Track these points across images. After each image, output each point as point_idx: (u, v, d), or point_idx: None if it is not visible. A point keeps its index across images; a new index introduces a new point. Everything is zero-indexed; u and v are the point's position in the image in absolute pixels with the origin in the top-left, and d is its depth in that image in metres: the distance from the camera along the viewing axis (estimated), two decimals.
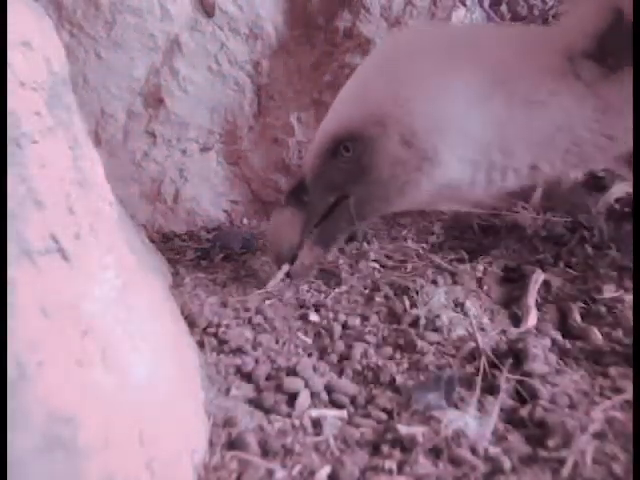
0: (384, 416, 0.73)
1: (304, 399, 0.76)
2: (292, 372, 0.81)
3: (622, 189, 1.38)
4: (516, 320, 0.96)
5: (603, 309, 0.95)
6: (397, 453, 0.66)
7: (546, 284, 1.04)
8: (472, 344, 0.86)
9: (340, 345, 0.89)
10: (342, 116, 0.95)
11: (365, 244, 1.34)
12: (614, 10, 0.81)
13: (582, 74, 0.84)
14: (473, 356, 0.84)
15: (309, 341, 0.92)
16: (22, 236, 0.47)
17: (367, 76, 0.98)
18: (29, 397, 0.44)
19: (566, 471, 0.61)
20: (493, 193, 1.02)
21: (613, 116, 0.84)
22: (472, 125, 0.87)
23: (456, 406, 0.73)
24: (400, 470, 0.63)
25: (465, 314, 0.95)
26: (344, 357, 0.86)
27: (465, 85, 0.86)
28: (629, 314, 0.91)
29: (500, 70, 0.86)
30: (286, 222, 1.00)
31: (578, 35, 0.85)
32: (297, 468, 0.64)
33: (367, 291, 1.07)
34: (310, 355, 0.88)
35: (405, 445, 0.66)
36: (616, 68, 0.82)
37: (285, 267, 1.05)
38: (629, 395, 0.73)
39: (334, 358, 0.86)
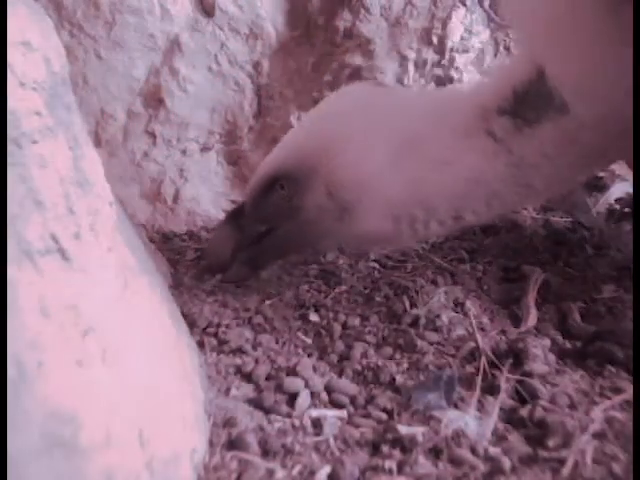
0: (384, 416, 0.73)
1: (304, 399, 0.76)
2: (292, 372, 0.81)
3: (622, 189, 1.38)
4: (516, 320, 0.96)
5: (603, 309, 0.95)
6: (397, 453, 0.66)
7: (546, 284, 1.04)
8: (472, 344, 0.86)
9: (340, 345, 0.89)
10: (281, 156, 1.03)
11: None
12: (535, 65, 0.84)
13: (495, 131, 0.88)
14: (473, 356, 0.84)
15: (309, 341, 0.92)
16: (22, 236, 0.47)
17: (309, 125, 1.09)
18: (29, 397, 0.44)
19: (566, 471, 0.61)
20: (420, 239, 1.13)
21: (527, 168, 0.88)
22: (390, 183, 0.92)
23: (456, 406, 0.73)
24: (400, 470, 0.63)
25: (465, 314, 0.95)
26: (344, 357, 0.86)
27: (383, 146, 0.93)
28: (629, 314, 0.92)
29: (413, 133, 0.92)
30: (222, 239, 1.07)
31: (494, 92, 0.90)
32: (297, 468, 0.64)
33: (367, 291, 1.07)
34: (310, 355, 0.88)
35: (405, 445, 0.66)
36: (534, 122, 0.85)
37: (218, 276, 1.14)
38: (629, 395, 0.73)
39: (334, 358, 0.86)
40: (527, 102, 0.86)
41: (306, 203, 0.98)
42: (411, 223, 0.95)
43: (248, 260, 1.08)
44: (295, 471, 0.64)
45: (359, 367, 0.83)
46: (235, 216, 1.07)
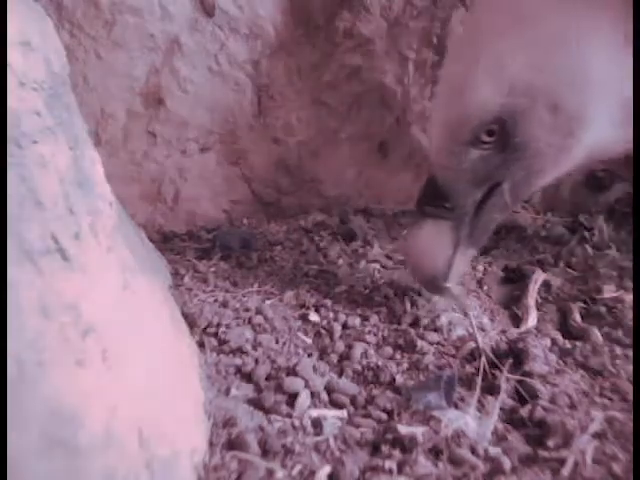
0: (384, 416, 0.73)
1: (304, 399, 0.76)
2: (292, 372, 0.81)
3: (622, 189, 1.38)
4: (516, 320, 0.96)
5: (603, 309, 0.95)
6: (397, 453, 0.66)
7: (546, 284, 1.04)
8: (472, 344, 0.86)
9: (340, 345, 0.89)
10: (478, 99, 0.81)
11: (365, 244, 1.35)
12: None
13: None
14: (473, 356, 0.84)
15: (309, 341, 0.92)
16: (22, 236, 0.47)
17: (488, 49, 0.84)
18: (29, 397, 0.44)
19: (566, 471, 0.61)
20: (628, 149, 0.91)
21: None
22: (612, 81, 0.81)
23: (456, 406, 0.73)
24: (400, 470, 0.63)
25: (465, 314, 0.95)
26: (344, 357, 0.86)
27: (603, 41, 0.80)
28: (629, 314, 0.92)
29: (627, 22, 0.78)
30: (432, 238, 0.88)
31: None
32: (297, 468, 0.64)
33: (367, 291, 1.07)
34: (310, 355, 0.88)
35: (405, 445, 0.66)
36: None
37: (446, 286, 0.92)
38: (629, 395, 0.73)
39: (334, 358, 0.86)
40: None
41: (530, 134, 0.81)
42: (626, 125, 0.83)
43: (471, 240, 0.90)
44: (295, 471, 0.64)
45: (359, 367, 0.83)
46: (430, 203, 0.88)
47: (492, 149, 0.83)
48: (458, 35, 0.93)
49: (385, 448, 0.66)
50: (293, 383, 0.78)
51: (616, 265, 1.10)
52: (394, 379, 0.80)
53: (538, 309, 0.97)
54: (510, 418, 0.72)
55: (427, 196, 0.89)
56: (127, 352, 0.57)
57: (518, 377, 0.77)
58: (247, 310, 1.00)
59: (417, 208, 0.90)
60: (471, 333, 0.89)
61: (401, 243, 0.97)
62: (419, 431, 0.67)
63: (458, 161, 0.84)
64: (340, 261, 1.22)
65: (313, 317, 0.98)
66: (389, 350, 0.87)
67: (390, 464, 0.63)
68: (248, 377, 0.82)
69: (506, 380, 0.77)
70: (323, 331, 0.93)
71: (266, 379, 0.81)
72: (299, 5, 1.57)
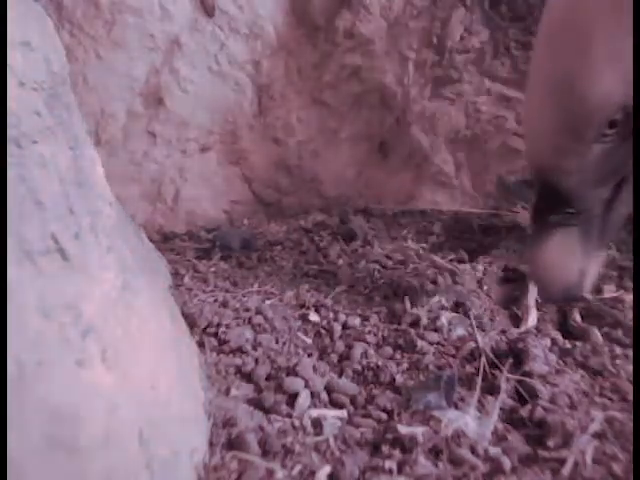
0: (384, 416, 0.73)
1: (304, 399, 0.76)
2: (292, 372, 0.81)
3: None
4: (516, 320, 0.96)
5: (604, 309, 0.95)
6: (397, 453, 0.65)
7: None
8: (472, 344, 0.86)
9: (340, 345, 0.89)
10: (601, 92, 0.70)
11: (365, 244, 1.35)
12: None
13: None
14: (473, 356, 0.84)
15: (309, 341, 0.92)
16: (22, 236, 0.47)
17: (599, 34, 0.72)
18: (29, 397, 0.44)
19: (566, 471, 0.61)
20: None
21: None
22: None
23: (456, 406, 0.73)
24: (400, 470, 0.63)
25: (465, 314, 0.95)
26: (344, 357, 0.86)
27: None
28: (629, 314, 0.92)
29: None
30: (563, 248, 0.79)
31: None
32: (297, 468, 0.64)
33: (367, 291, 1.07)
34: (310, 355, 0.88)
35: (405, 445, 0.66)
36: None
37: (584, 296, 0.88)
38: (629, 395, 0.73)
39: (334, 358, 0.86)
40: None
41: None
42: None
43: (601, 243, 0.82)
44: (295, 471, 0.64)
45: (359, 367, 0.83)
46: (553, 212, 0.79)
47: (614, 141, 0.73)
48: (549, 22, 0.77)
49: (385, 448, 0.66)
50: (293, 383, 0.78)
51: (616, 265, 1.10)
52: (394, 379, 0.80)
53: (538, 309, 0.97)
54: (510, 418, 0.72)
55: (548, 204, 0.79)
56: (127, 352, 0.57)
57: (518, 377, 0.77)
58: (247, 310, 1.00)
59: (537, 220, 0.81)
60: (471, 333, 0.89)
61: (529, 260, 0.86)
62: (419, 431, 0.67)
63: (580, 161, 0.74)
64: (340, 261, 1.22)
65: (313, 317, 0.98)
66: (389, 350, 0.87)
67: (390, 464, 0.63)
68: (248, 377, 0.82)
69: (506, 380, 0.77)
70: (323, 331, 0.93)
71: (266, 379, 0.81)
72: (299, 5, 1.57)
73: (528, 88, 0.79)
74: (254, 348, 0.89)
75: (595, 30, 0.71)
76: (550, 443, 0.65)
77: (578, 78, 0.71)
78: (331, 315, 0.98)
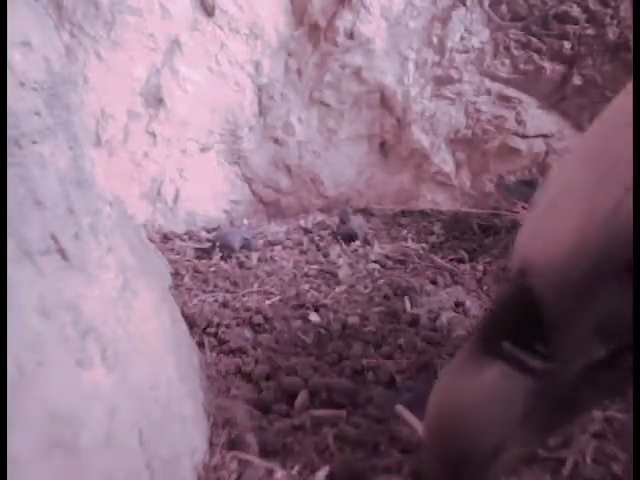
0: (383, 416, 0.73)
1: (304, 399, 0.76)
2: (292, 372, 0.81)
3: None
4: None
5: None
6: (397, 453, 0.65)
7: None
8: None
9: (340, 345, 0.89)
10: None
11: (365, 244, 1.35)
12: None
13: None
14: None
15: (309, 341, 0.92)
16: (22, 236, 0.47)
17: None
18: (29, 397, 0.44)
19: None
20: None
21: None
22: None
23: None
24: (400, 470, 0.63)
25: (465, 314, 0.95)
26: (344, 357, 0.86)
27: None
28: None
29: None
30: (494, 393, 0.52)
31: None
32: (297, 468, 0.64)
33: (367, 291, 1.07)
34: (310, 355, 0.88)
35: (405, 445, 0.66)
36: None
37: None
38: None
39: (334, 358, 0.86)
40: None
41: None
42: None
43: (549, 421, 0.54)
44: (295, 471, 0.64)
45: (359, 367, 0.83)
46: (507, 338, 0.51)
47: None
48: (587, 139, 0.61)
49: (385, 448, 0.66)
50: (293, 383, 0.78)
51: None
52: (394, 379, 0.80)
53: None
54: None
55: (509, 325, 0.53)
56: (127, 352, 0.57)
57: None
58: (247, 310, 1.00)
59: (481, 336, 0.54)
60: (471, 333, 0.89)
61: (437, 386, 0.55)
62: (419, 430, 0.67)
63: (587, 294, 0.53)
64: (340, 261, 1.22)
65: (313, 317, 0.98)
66: (388, 350, 0.87)
67: (390, 464, 0.63)
68: (248, 377, 0.82)
69: None
70: (323, 331, 0.93)
71: (266, 379, 0.81)
72: (299, 5, 1.57)
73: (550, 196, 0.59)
74: (254, 348, 0.89)
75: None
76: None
77: (616, 205, 0.53)
78: (331, 315, 0.98)
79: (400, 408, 0.71)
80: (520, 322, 0.52)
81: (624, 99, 0.59)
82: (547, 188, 0.60)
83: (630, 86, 0.61)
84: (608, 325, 0.53)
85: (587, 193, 0.54)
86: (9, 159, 0.47)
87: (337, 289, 1.08)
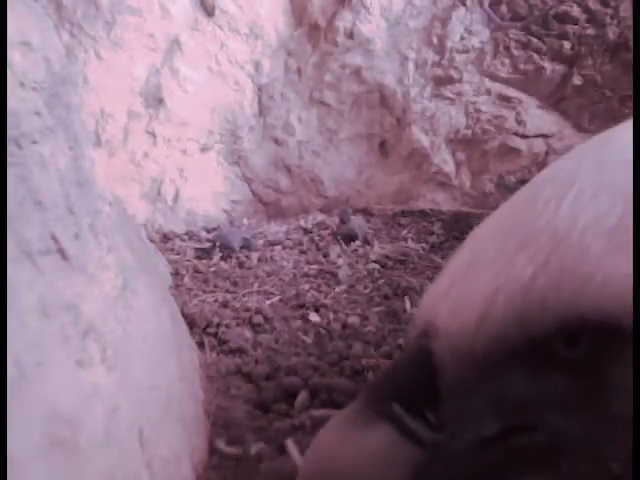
0: None
1: (304, 399, 0.76)
2: (292, 372, 0.81)
3: None
4: None
5: None
6: None
7: None
8: None
9: (340, 345, 0.89)
10: (582, 293, 0.46)
11: (365, 244, 1.35)
12: None
13: None
14: None
15: (309, 341, 0.92)
16: (22, 236, 0.47)
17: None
18: (29, 397, 0.44)
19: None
20: None
21: None
22: None
23: None
24: None
25: None
26: (344, 357, 0.86)
27: None
28: None
29: None
30: (372, 457, 0.47)
31: None
32: None
33: (367, 291, 1.07)
34: (310, 355, 0.88)
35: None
36: None
37: None
38: None
39: (334, 358, 0.86)
40: None
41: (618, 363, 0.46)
42: None
43: None
44: None
45: (359, 367, 0.83)
46: (396, 399, 0.48)
47: (566, 366, 0.47)
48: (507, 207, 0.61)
49: None
50: (293, 383, 0.78)
51: None
52: None
53: None
54: None
55: (403, 387, 0.49)
56: (127, 352, 0.57)
57: None
58: (247, 310, 1.00)
59: (372, 394, 0.51)
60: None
61: (319, 437, 0.52)
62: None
63: (487, 367, 0.49)
64: (340, 261, 1.22)
65: (313, 317, 0.98)
66: (388, 349, 0.87)
67: None
68: (248, 377, 0.82)
69: None
70: (323, 331, 0.93)
71: (266, 379, 0.81)
72: (299, 5, 1.57)
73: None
74: (254, 348, 0.89)
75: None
76: None
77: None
78: (331, 315, 0.98)
79: (290, 443, 0.67)
80: (414, 386, 0.49)
81: (551, 172, 0.56)
82: (460, 253, 0.57)
83: (559, 161, 0.59)
84: (505, 402, 0.49)
85: (497, 267, 0.51)
86: (9, 159, 0.47)
87: (337, 289, 1.08)
